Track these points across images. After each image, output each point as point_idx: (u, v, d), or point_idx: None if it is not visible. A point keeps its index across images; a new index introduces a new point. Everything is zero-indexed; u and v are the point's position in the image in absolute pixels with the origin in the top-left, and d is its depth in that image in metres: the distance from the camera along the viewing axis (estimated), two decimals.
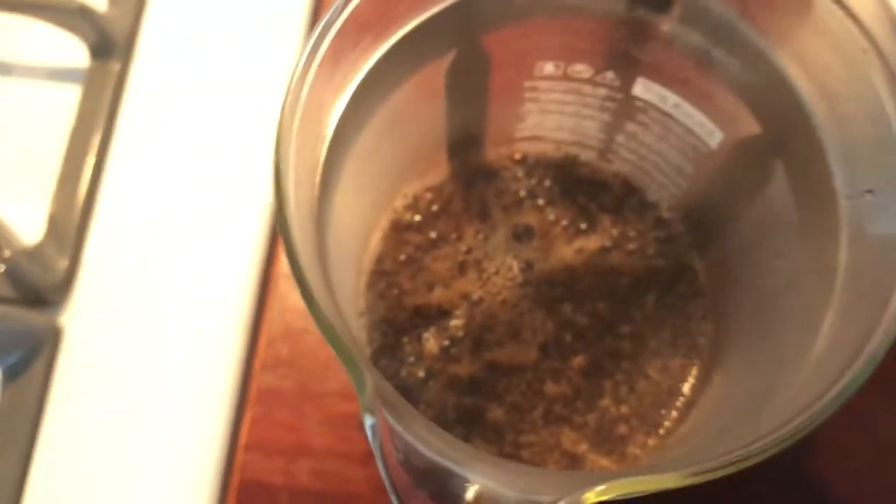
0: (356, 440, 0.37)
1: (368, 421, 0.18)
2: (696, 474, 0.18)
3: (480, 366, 0.31)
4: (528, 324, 0.32)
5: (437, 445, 0.19)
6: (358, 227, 0.30)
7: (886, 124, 0.22)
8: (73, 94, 0.43)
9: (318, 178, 0.22)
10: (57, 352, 0.39)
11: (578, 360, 0.32)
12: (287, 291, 0.39)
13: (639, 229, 0.34)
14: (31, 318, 0.39)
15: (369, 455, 0.37)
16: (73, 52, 0.43)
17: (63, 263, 0.40)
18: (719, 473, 0.18)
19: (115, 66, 0.44)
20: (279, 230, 0.18)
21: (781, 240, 0.26)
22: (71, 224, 0.41)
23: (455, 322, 0.32)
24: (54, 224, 0.41)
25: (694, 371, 0.32)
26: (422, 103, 0.28)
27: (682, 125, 0.29)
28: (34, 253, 0.39)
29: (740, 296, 0.30)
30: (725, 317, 0.31)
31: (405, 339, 0.32)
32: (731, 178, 0.29)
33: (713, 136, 0.28)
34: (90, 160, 0.42)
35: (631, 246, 0.34)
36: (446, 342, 0.32)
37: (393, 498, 0.19)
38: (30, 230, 0.40)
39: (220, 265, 0.39)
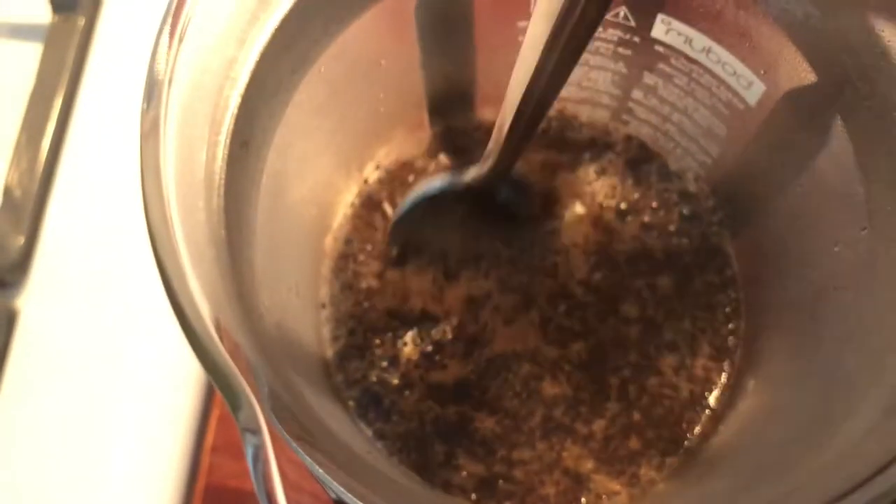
0: None
1: (250, 443, 0.13)
2: None
3: (468, 362, 0.26)
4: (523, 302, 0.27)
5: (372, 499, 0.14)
6: (319, 197, 0.25)
7: None
8: (32, 53, 0.40)
9: (224, 133, 0.17)
10: (11, 337, 0.36)
11: (578, 347, 0.26)
12: None
13: (659, 202, 0.28)
14: None
15: None
16: (34, 5, 0.39)
17: (19, 241, 0.37)
18: None
19: (80, 21, 0.40)
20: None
21: (842, 221, 0.20)
22: (28, 197, 0.38)
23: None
24: (10, 197, 0.38)
25: (722, 376, 0.26)
26: (388, 46, 0.23)
27: (712, 75, 0.23)
28: None
29: (784, 288, 0.24)
30: (763, 312, 0.26)
31: (377, 341, 0.27)
32: (774, 143, 0.23)
33: (752, 90, 0.22)
34: (51, 126, 0.39)
35: (646, 218, 0.28)
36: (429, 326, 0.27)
37: None
38: None
39: None
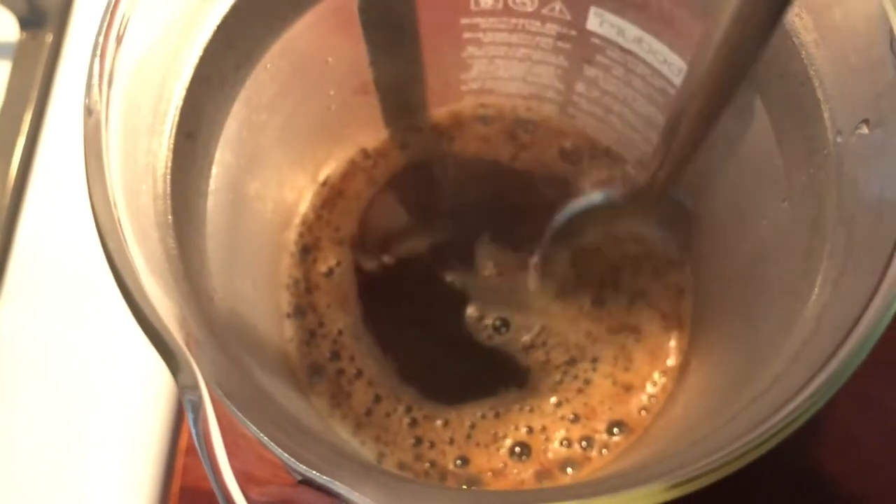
0: None
1: (189, 401, 0.14)
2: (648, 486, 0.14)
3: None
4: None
5: (307, 457, 0.15)
6: (273, 193, 0.25)
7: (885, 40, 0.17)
8: (1, 70, 0.40)
9: (169, 123, 0.17)
10: None
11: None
12: None
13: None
14: None
15: None
16: (1, 23, 0.40)
17: None
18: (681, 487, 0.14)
19: (48, 38, 0.40)
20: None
21: (767, 195, 0.21)
22: (0, 209, 0.38)
23: None
24: None
25: (671, 356, 0.27)
26: (333, 44, 0.23)
27: (646, 64, 0.24)
28: None
29: (724, 265, 0.25)
30: (708, 291, 0.26)
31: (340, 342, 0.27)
32: None
33: (682, 76, 0.23)
34: (21, 140, 0.39)
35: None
36: None
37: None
38: None
39: None
